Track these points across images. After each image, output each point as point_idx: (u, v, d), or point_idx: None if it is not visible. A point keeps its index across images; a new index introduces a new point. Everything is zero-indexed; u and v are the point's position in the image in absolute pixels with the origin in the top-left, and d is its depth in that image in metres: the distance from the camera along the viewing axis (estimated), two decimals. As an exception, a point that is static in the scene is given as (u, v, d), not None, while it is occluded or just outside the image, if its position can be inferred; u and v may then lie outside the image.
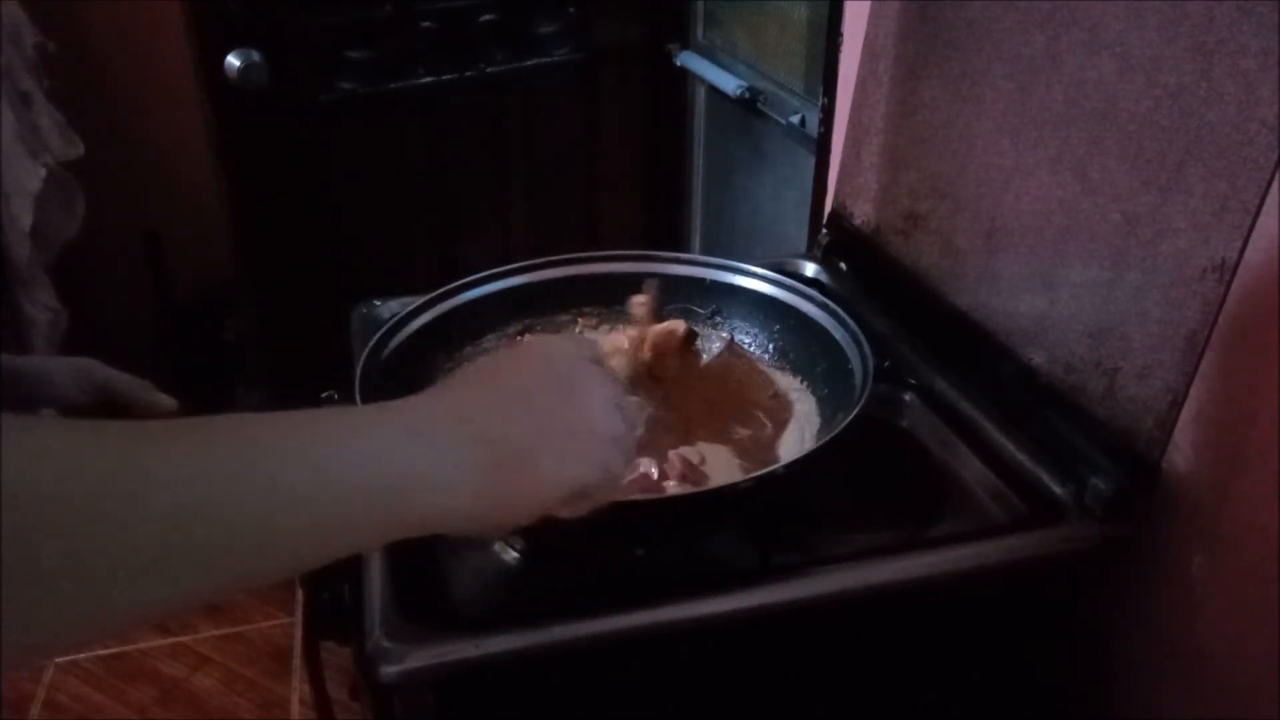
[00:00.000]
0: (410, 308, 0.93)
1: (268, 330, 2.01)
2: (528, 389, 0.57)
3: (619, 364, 0.92)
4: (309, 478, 0.44)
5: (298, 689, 1.83)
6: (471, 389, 0.56)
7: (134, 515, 0.37)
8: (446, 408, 0.54)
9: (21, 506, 0.34)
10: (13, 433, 0.35)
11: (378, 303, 1.09)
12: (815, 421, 0.91)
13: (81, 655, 1.86)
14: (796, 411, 0.93)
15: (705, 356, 1.01)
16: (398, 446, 0.48)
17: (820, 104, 1.35)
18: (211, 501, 0.40)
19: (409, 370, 0.89)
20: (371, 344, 0.87)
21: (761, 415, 0.94)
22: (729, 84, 1.80)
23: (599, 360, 0.63)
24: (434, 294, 0.95)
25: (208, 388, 1.95)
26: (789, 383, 0.96)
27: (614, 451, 0.59)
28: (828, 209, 1.27)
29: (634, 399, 0.66)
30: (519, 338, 0.99)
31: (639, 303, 0.93)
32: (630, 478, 0.85)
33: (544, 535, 0.82)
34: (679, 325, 0.99)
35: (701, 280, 1.02)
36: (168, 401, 0.75)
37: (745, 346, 1.01)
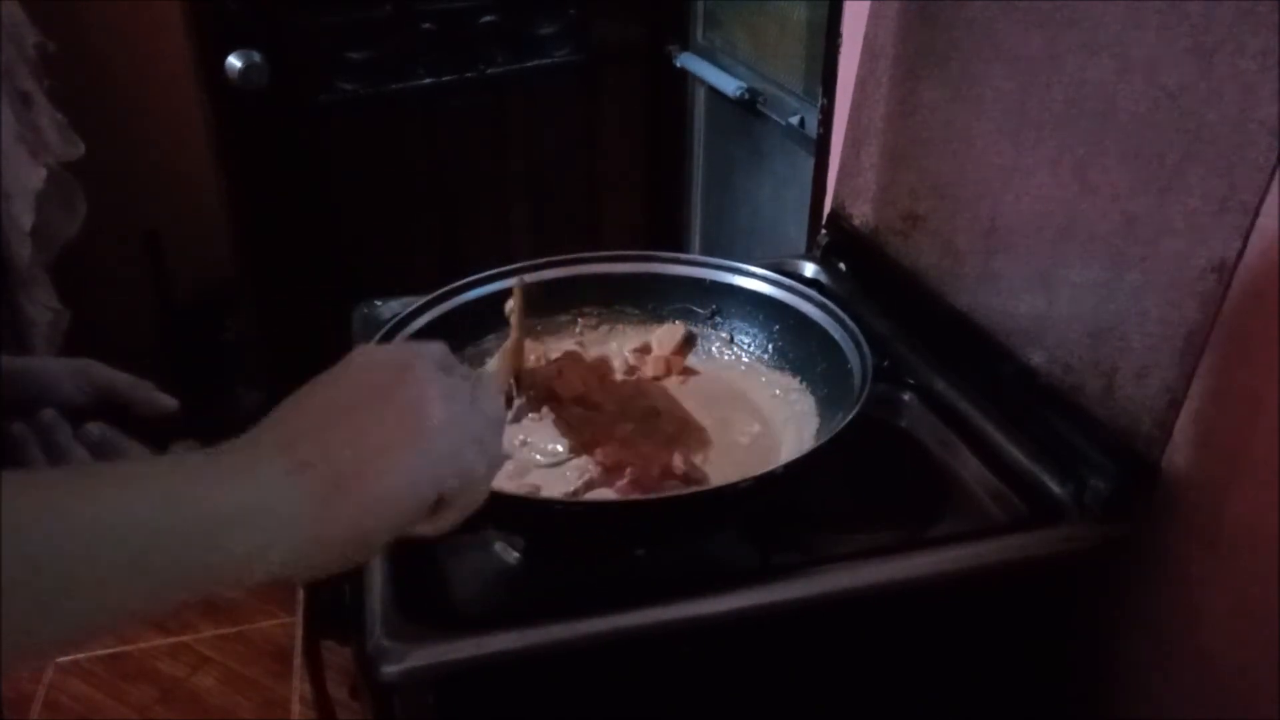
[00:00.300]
0: (411, 308, 0.93)
1: (268, 330, 2.01)
2: (347, 405, 0.52)
3: (496, 368, 0.89)
4: (106, 531, 0.42)
5: (298, 688, 1.83)
6: (289, 418, 0.52)
7: None
8: (263, 441, 0.50)
9: None
10: None
11: (378, 303, 1.09)
12: (815, 421, 0.91)
13: (81, 655, 1.86)
14: (794, 412, 0.93)
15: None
16: (206, 488, 0.45)
17: (820, 104, 1.35)
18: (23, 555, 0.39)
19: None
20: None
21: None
22: (729, 85, 1.80)
23: (439, 360, 0.57)
24: (434, 294, 0.95)
25: (208, 388, 1.95)
26: (789, 383, 0.96)
27: (469, 450, 0.55)
28: (827, 209, 1.27)
29: (494, 390, 0.63)
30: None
31: (509, 309, 0.91)
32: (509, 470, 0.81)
33: (544, 535, 0.83)
34: (679, 327, 0.99)
35: (701, 280, 1.02)
36: (168, 401, 0.75)
37: (745, 346, 1.01)
